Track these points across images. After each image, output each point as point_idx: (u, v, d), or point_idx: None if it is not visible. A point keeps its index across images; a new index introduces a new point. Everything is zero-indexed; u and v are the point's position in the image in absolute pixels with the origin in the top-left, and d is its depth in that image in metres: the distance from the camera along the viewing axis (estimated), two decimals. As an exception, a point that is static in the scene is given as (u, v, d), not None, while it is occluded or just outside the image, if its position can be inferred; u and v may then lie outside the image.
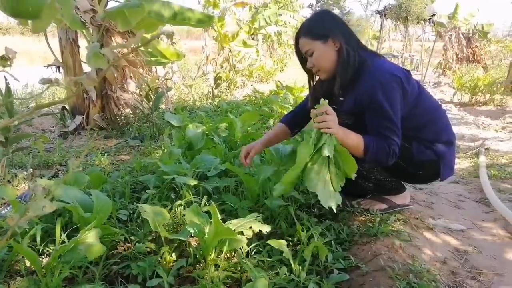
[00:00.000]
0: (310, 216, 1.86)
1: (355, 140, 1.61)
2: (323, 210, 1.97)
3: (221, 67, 6.34)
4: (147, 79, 3.81)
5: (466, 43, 11.05)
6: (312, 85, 1.91)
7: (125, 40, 4.09)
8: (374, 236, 1.67)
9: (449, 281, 1.44)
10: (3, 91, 2.05)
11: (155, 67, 4.46)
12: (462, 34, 11.15)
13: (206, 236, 1.44)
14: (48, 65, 4.33)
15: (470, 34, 11.25)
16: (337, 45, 1.68)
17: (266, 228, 1.52)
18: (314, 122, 1.56)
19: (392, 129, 1.61)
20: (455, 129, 4.20)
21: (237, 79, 6.59)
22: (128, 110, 4.09)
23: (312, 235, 1.62)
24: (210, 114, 4.28)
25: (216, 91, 5.92)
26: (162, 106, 4.24)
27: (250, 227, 1.51)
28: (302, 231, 1.63)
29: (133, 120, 3.80)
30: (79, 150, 3.24)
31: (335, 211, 1.52)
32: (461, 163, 2.98)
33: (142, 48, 4.17)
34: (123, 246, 1.61)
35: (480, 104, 5.99)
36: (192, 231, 1.45)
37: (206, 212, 1.60)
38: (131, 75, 3.98)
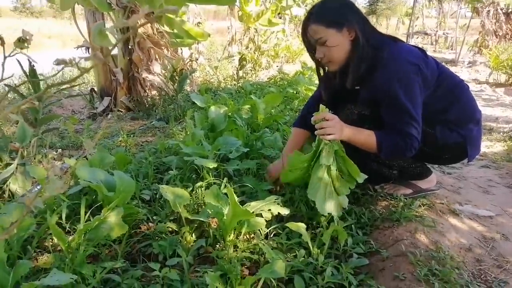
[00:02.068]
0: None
1: (366, 138, 1.58)
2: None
3: (247, 47, 6.28)
4: (172, 61, 3.83)
5: (505, 19, 10.41)
6: (322, 76, 1.82)
7: (149, 21, 4.11)
8: (396, 221, 1.64)
9: (474, 269, 1.39)
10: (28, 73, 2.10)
11: (181, 49, 4.47)
12: (501, 9, 10.51)
13: (224, 217, 1.45)
14: (78, 47, 4.42)
15: (510, 10, 10.59)
16: (352, 35, 1.58)
17: (284, 211, 1.52)
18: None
19: (409, 123, 1.54)
20: (489, 111, 4.02)
21: (262, 60, 6.51)
22: (154, 92, 4.15)
23: (332, 219, 1.60)
24: (234, 96, 4.27)
25: (241, 72, 5.89)
26: (187, 88, 4.27)
27: (269, 210, 1.51)
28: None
29: (159, 102, 3.85)
30: (106, 131, 3.32)
31: (336, 216, 1.52)
32: (493, 147, 2.85)
33: (167, 29, 4.18)
34: (145, 225, 1.65)
35: (518, 85, 5.68)
36: (210, 212, 1.47)
37: (225, 194, 1.61)
38: (156, 56, 4.01)
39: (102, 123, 3.89)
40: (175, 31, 4.18)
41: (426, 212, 1.72)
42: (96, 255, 1.40)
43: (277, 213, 1.51)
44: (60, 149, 2.79)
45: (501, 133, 3.11)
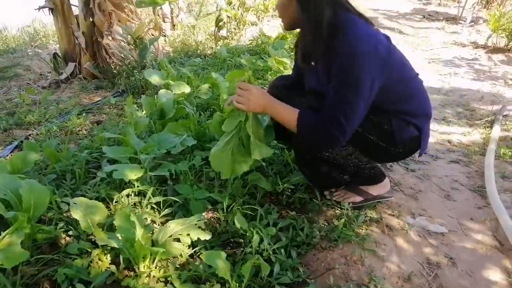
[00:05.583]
0: (273, 208, 1.68)
1: (286, 115, 1.45)
2: (292, 198, 1.79)
3: (230, 3, 5.83)
4: (135, 25, 3.51)
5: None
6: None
7: (112, -21, 3.73)
8: (334, 241, 1.49)
9: (407, 306, 1.27)
10: None
11: (143, 12, 4.11)
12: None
13: (135, 244, 1.30)
14: (39, 8, 4.07)
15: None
16: (303, 8, 1.39)
17: (205, 236, 1.37)
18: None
19: (343, 110, 1.34)
20: (477, 86, 3.77)
21: (247, 17, 6.08)
22: (118, 59, 3.87)
23: (267, 238, 1.45)
24: (208, 64, 3.99)
25: (224, 31, 5.51)
26: (154, 53, 3.96)
27: (188, 234, 1.36)
28: (257, 232, 1.46)
29: (123, 71, 3.58)
30: (61, 107, 3.10)
31: (224, 178, 1.57)
32: (470, 134, 2.65)
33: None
34: (63, 239, 1.50)
35: (517, 50, 5.32)
36: (120, 238, 1.32)
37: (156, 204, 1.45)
38: (118, 21, 3.68)
39: (64, 93, 3.66)
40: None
41: (371, 229, 1.57)
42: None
43: (196, 238, 1.36)
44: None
45: (483, 117, 2.89)
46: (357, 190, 1.74)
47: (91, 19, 3.79)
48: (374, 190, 1.74)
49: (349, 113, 1.34)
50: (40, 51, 5.69)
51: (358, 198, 1.73)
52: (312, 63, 1.52)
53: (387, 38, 1.47)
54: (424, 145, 1.58)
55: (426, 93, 1.61)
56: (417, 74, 1.60)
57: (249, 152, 1.52)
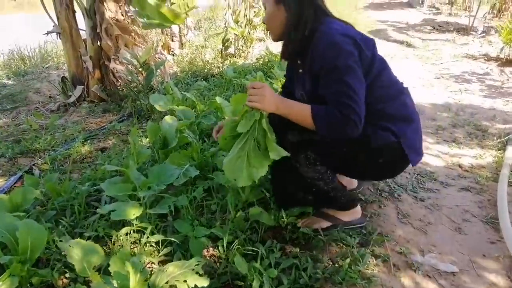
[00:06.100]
0: (276, 245, 1.63)
1: (300, 112, 1.44)
2: (295, 233, 1.73)
3: (237, 22, 5.85)
4: (142, 49, 3.53)
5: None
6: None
7: (119, 4, 3.77)
8: (339, 284, 1.43)
9: None
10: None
11: (152, 31, 4.14)
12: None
13: (131, 291, 1.26)
14: (48, 32, 4.13)
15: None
16: (287, 14, 1.48)
17: (203, 283, 1.32)
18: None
19: (346, 93, 1.35)
20: (489, 103, 3.67)
21: (254, 35, 6.09)
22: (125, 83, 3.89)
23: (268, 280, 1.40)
24: (214, 84, 3.99)
25: (232, 48, 5.52)
26: (161, 75, 3.97)
27: (185, 281, 1.32)
28: (258, 276, 1.41)
29: (129, 95, 3.59)
30: (67, 133, 3.11)
31: (241, 186, 1.52)
32: (482, 157, 2.56)
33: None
34: (60, 281, 1.48)
35: (531, 63, 5.19)
36: (115, 284, 1.28)
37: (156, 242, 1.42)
38: (125, 45, 3.71)
39: (71, 117, 3.68)
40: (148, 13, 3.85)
41: (377, 269, 1.50)
42: None
43: (193, 285, 1.32)
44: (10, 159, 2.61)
45: (496, 137, 2.80)
46: (325, 215, 1.75)
47: (98, 43, 3.82)
48: (345, 216, 1.74)
49: (351, 94, 1.36)
50: (51, 72, 5.77)
51: (326, 224, 1.74)
52: (300, 70, 1.60)
53: (373, 40, 1.52)
54: (412, 152, 1.51)
55: (410, 98, 1.59)
56: (402, 83, 1.60)
57: (265, 154, 1.48)
